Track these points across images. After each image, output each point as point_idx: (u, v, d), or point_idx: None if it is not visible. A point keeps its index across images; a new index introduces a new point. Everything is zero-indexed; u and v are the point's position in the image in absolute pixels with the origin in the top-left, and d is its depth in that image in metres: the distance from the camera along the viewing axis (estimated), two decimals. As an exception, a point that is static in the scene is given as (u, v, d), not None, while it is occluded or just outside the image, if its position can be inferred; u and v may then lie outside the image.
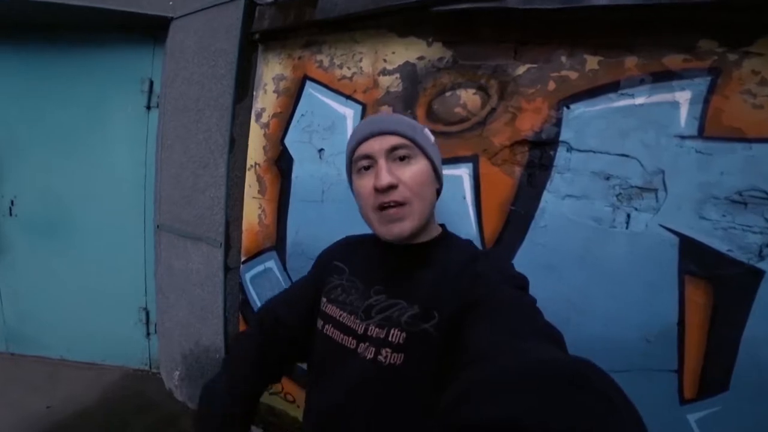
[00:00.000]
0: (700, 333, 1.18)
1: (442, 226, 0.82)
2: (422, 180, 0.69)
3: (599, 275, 1.25)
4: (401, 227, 0.67)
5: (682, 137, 1.16)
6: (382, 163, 0.67)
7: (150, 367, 2.36)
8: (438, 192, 0.78)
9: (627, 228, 1.23)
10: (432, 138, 0.76)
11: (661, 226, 1.19)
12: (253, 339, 0.86)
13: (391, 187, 0.66)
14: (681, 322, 1.19)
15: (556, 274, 1.29)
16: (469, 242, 0.79)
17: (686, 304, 1.18)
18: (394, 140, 0.68)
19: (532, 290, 0.67)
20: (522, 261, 1.33)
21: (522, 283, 0.66)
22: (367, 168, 0.70)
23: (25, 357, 2.42)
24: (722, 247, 1.13)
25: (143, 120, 2.12)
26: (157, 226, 2.06)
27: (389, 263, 0.75)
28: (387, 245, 0.73)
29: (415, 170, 0.69)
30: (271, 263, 1.83)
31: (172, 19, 1.88)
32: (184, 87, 1.88)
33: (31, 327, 2.40)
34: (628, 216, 1.23)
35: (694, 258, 1.16)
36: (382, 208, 0.67)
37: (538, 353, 0.42)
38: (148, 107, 2.10)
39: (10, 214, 2.32)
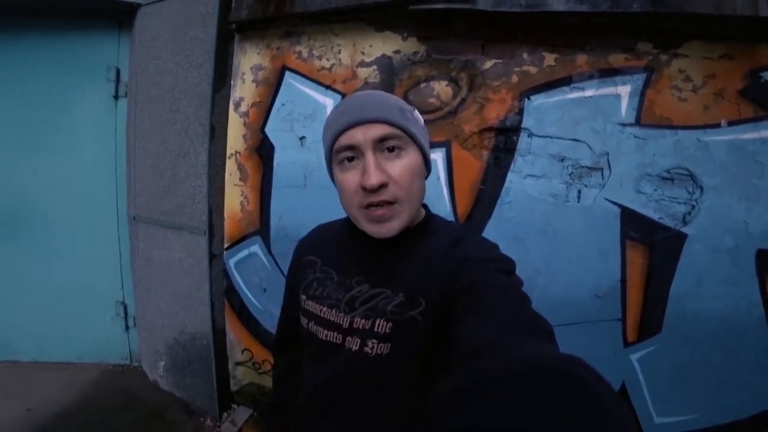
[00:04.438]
0: (639, 288, 1.42)
1: (425, 206, 0.75)
2: (413, 174, 0.62)
3: (557, 243, 1.46)
4: (389, 227, 0.61)
5: (623, 125, 1.37)
6: (369, 157, 0.59)
7: (131, 362, 2.34)
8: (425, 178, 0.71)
9: (578, 202, 1.44)
10: (421, 121, 0.68)
11: (606, 199, 1.41)
12: (277, 355, 0.94)
13: (382, 186, 0.59)
14: (623, 280, 1.43)
15: (522, 244, 1.48)
16: (453, 223, 0.76)
17: (627, 264, 1.42)
18: (382, 129, 0.60)
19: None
20: (491, 234, 1.51)
21: (508, 266, 0.62)
22: (351, 159, 0.62)
23: (-6, 363, 2.30)
24: (655, 215, 1.36)
25: (111, 110, 2.05)
26: (133, 218, 2.04)
27: (370, 252, 0.69)
28: (367, 235, 0.65)
29: (405, 164, 0.61)
30: (256, 248, 1.89)
31: (139, 5, 1.84)
32: (157, 76, 1.86)
33: (-1, 332, 2.29)
34: (579, 192, 1.43)
35: (633, 226, 1.40)
36: (369, 206, 0.61)
37: (531, 351, 0.41)
38: (116, 96, 2.04)
39: (-31, 214, 2.17)
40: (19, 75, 2.06)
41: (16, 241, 2.22)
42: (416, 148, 0.64)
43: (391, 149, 0.61)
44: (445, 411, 0.33)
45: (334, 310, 0.68)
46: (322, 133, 0.68)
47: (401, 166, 0.61)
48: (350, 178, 0.62)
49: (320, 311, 0.70)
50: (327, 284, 0.71)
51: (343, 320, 0.66)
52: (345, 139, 0.61)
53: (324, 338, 0.68)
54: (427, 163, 0.69)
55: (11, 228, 2.21)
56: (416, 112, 0.67)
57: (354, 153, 0.61)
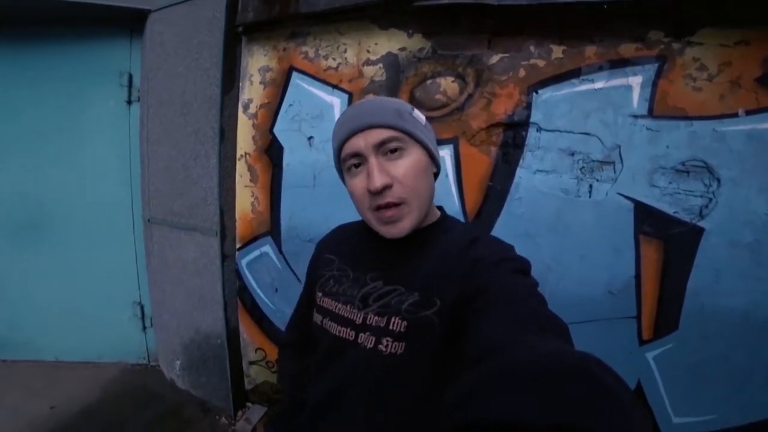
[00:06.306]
0: (654, 284, 1.38)
1: (440, 208, 0.77)
2: (417, 172, 0.64)
3: (569, 240, 1.43)
4: (400, 227, 0.63)
5: (635, 116, 1.34)
6: (372, 161, 0.62)
7: (149, 361, 2.40)
8: (436, 175, 0.73)
9: (590, 197, 1.41)
10: (422, 120, 0.68)
11: (619, 194, 1.38)
12: (286, 354, 0.95)
13: (386, 188, 0.61)
14: (638, 276, 1.39)
15: (532, 241, 1.46)
16: (468, 225, 0.80)
17: (642, 260, 1.38)
18: (381, 134, 0.62)
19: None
20: (501, 230, 1.49)
21: (523, 266, 0.62)
22: (357, 166, 0.65)
23: (18, 363, 2.38)
24: (670, 210, 1.33)
25: (125, 115, 2.10)
26: (148, 220, 2.08)
27: (385, 250, 0.70)
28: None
29: (408, 164, 0.63)
30: (267, 248, 1.92)
31: (149, 11, 1.88)
32: (168, 80, 1.89)
33: (22, 332, 2.37)
34: (591, 186, 1.40)
35: (647, 220, 1.36)
36: (379, 208, 0.63)
37: (546, 348, 0.41)
38: (129, 101, 2.09)
39: (-12, 219, 2.25)
40: (34, 82, 2.12)
41: (36, 244, 2.30)
42: (419, 146, 0.66)
43: (393, 150, 0.63)
44: (461, 405, 0.34)
45: (348, 306, 0.69)
46: (331, 138, 0.71)
47: (404, 165, 0.63)
48: (358, 183, 0.65)
49: (335, 308, 0.71)
50: (343, 281, 0.73)
51: (357, 316, 0.68)
52: (349, 148, 0.64)
53: (337, 334, 0.69)
54: (434, 160, 0.70)
55: (31, 232, 2.29)
56: (416, 111, 0.68)
57: (359, 159, 0.64)
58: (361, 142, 0.63)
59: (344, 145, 0.65)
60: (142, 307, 2.32)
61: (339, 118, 0.70)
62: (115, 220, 2.24)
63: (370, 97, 0.72)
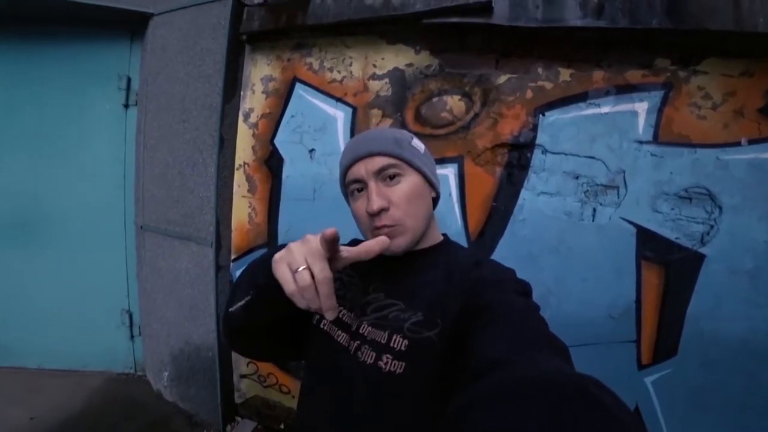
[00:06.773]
0: (654, 309, 1.39)
1: (444, 235, 0.81)
2: (412, 197, 0.68)
3: (571, 262, 1.43)
4: (396, 244, 0.67)
5: (640, 142, 1.35)
6: (372, 185, 0.67)
7: (135, 371, 2.32)
8: (435, 200, 0.77)
9: (593, 221, 1.41)
10: (421, 148, 0.74)
11: (622, 218, 1.38)
12: None
13: (383, 210, 0.66)
14: (638, 300, 1.39)
15: (535, 262, 1.46)
16: (470, 249, 0.80)
17: (643, 284, 1.39)
18: (380, 161, 0.67)
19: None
20: (504, 251, 1.48)
21: (525, 289, 0.65)
22: (360, 190, 0.70)
23: (-1, 369, 2.29)
24: (672, 235, 1.33)
25: (121, 118, 2.06)
26: (141, 227, 2.03)
27: (389, 266, 0.73)
28: None
29: (404, 188, 0.68)
30: (263, 260, 1.88)
31: (152, 15, 1.84)
32: (168, 85, 1.86)
33: (4, 336, 2.27)
34: (594, 210, 1.41)
35: (649, 245, 1.36)
36: (377, 229, 0.67)
37: (546, 366, 0.42)
38: (127, 105, 2.05)
39: (-21, 217, 2.17)
40: (32, 82, 2.07)
41: (23, 246, 2.22)
42: (416, 173, 0.71)
43: (391, 177, 0.68)
44: (462, 417, 0.35)
45: (351, 313, 0.71)
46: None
47: (401, 190, 0.68)
48: (360, 206, 0.69)
49: (339, 312, 0.72)
50: (351, 288, 0.75)
51: (354, 322, 0.70)
52: (351, 174, 0.70)
53: (333, 336, 0.71)
54: (432, 185, 0.74)
55: (19, 233, 2.21)
56: (415, 140, 0.74)
57: (361, 185, 0.69)
58: (362, 169, 0.68)
59: (348, 171, 0.71)
60: (130, 315, 2.25)
61: (345, 147, 0.75)
62: (107, 224, 2.18)
63: (372, 128, 0.77)
